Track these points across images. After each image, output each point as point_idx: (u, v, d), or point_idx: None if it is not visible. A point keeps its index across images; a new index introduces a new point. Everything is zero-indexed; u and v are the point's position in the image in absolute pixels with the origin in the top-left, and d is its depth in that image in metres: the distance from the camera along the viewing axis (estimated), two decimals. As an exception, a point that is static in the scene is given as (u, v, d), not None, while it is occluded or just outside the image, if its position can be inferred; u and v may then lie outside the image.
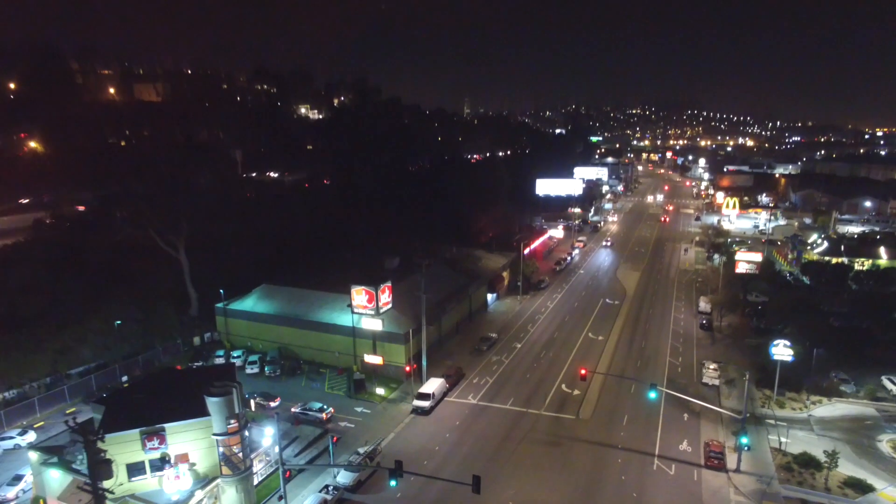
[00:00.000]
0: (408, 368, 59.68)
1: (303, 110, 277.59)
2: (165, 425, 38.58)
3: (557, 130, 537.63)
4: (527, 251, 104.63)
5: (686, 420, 53.82)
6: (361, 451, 46.84)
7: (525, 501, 42.11)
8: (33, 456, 41.67)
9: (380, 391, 59.18)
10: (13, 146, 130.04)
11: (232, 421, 39.33)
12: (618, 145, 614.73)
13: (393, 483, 35.44)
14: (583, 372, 49.83)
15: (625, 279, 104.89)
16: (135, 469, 38.51)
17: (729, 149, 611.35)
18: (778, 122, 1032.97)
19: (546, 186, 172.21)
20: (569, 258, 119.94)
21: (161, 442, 38.52)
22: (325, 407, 54.38)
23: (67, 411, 56.09)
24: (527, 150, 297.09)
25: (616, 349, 71.79)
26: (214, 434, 39.32)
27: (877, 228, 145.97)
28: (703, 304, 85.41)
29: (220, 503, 40.21)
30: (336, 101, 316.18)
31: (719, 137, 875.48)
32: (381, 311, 60.69)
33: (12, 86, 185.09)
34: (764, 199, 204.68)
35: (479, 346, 71.79)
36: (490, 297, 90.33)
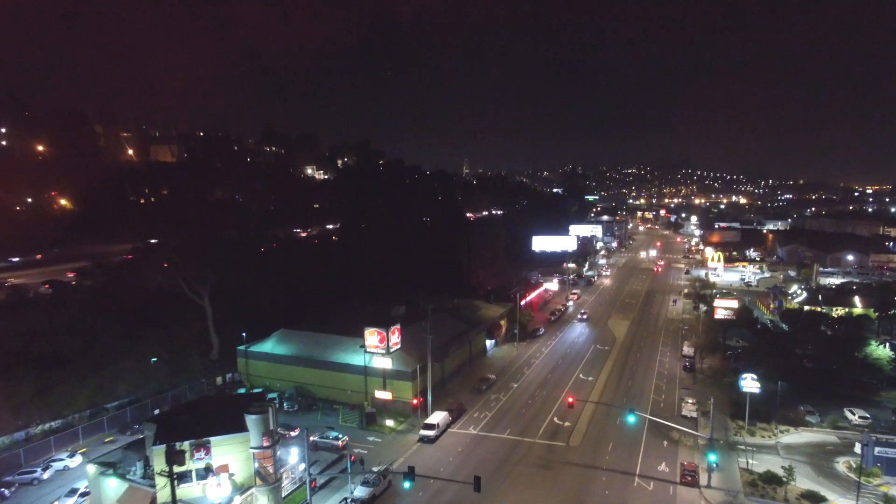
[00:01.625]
0: (415, 402, 66.04)
1: (309, 171, 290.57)
2: (211, 438, 44.93)
3: (555, 190, 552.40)
4: (523, 302, 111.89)
5: (665, 446, 59.75)
6: (375, 470, 52.79)
7: (520, 511, 47.90)
8: (91, 469, 47.82)
9: (389, 423, 65.23)
10: (45, 203, 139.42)
11: (266, 437, 45.93)
12: (614, 204, 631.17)
13: (407, 485, 41.64)
14: (570, 400, 56.29)
15: (615, 328, 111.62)
16: (182, 477, 44.49)
17: (722, 206, 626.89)
18: (770, 181, 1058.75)
19: (542, 243, 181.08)
20: (563, 309, 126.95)
21: (206, 453, 44.72)
22: (341, 435, 60.45)
23: (106, 440, 62.23)
24: (524, 206, 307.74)
25: (605, 388, 78.03)
26: (252, 448, 45.69)
27: (857, 280, 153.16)
28: (687, 349, 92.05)
29: (255, 510, 46.13)
30: (340, 163, 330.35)
31: (713, 195, 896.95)
32: (391, 350, 67.45)
33: (41, 148, 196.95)
34: (752, 253, 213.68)
35: (479, 386, 78.06)
36: (489, 342, 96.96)
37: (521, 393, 76.20)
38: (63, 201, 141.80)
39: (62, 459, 55.88)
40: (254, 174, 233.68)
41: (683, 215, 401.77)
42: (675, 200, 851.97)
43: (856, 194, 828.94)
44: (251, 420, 45.44)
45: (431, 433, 61.15)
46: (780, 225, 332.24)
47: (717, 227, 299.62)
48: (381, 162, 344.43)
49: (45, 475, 53.33)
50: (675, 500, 49.58)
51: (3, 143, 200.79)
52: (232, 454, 45.93)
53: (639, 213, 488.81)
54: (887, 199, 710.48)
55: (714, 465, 51.69)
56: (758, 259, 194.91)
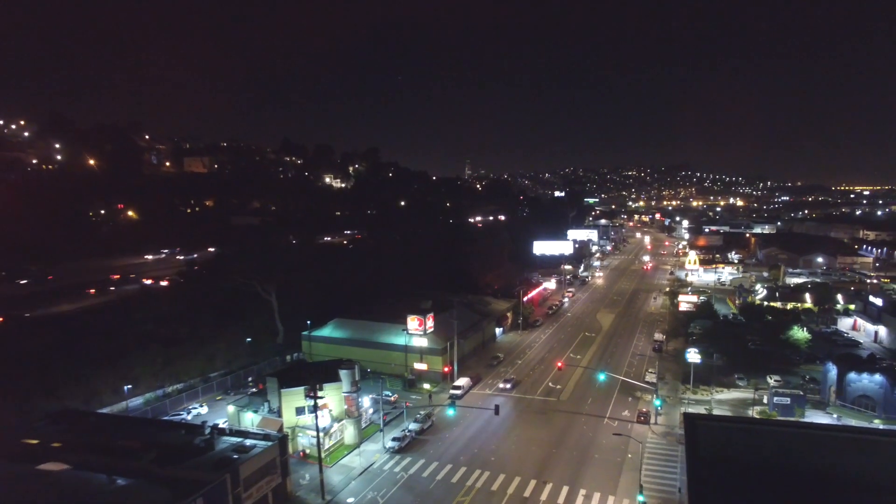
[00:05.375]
0: (446, 369, 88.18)
1: (327, 180, 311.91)
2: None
3: (556, 193, 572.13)
4: (525, 298, 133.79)
5: (630, 401, 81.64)
6: (422, 413, 74.82)
7: (524, 437, 69.78)
8: (231, 408, 70.11)
9: (426, 386, 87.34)
10: (114, 215, 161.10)
11: (353, 385, 68.15)
12: (613, 206, 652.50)
13: (451, 412, 63.61)
14: (559, 364, 78.22)
15: (602, 319, 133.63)
16: (299, 410, 66.57)
17: (718, 209, 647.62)
18: (768, 183, 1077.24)
19: (542, 247, 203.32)
20: (560, 304, 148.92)
21: (315, 395, 66.66)
22: (391, 393, 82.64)
23: (217, 398, 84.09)
24: (526, 214, 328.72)
25: (589, 363, 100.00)
26: (343, 392, 67.96)
27: (818, 280, 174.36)
28: (658, 335, 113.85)
29: (344, 434, 68.28)
30: (351, 169, 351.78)
31: (711, 198, 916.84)
32: (427, 331, 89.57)
33: (92, 162, 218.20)
34: (734, 255, 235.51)
35: (491, 362, 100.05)
36: (498, 330, 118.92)
37: (523, 367, 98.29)
38: (130, 212, 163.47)
39: (196, 408, 78.07)
40: (280, 184, 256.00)
41: (678, 218, 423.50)
42: (674, 203, 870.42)
43: (851, 196, 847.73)
44: (343, 373, 67.92)
45: (458, 392, 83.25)
46: (766, 228, 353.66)
47: (706, 230, 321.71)
48: (390, 173, 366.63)
49: (189, 417, 75.43)
50: (631, 431, 71.36)
51: (58, 157, 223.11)
52: (330, 396, 67.96)
53: (636, 217, 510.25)
54: (880, 202, 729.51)
55: (658, 409, 73.68)
56: (735, 261, 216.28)
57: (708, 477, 43.37)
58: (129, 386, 74.04)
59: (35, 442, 55.09)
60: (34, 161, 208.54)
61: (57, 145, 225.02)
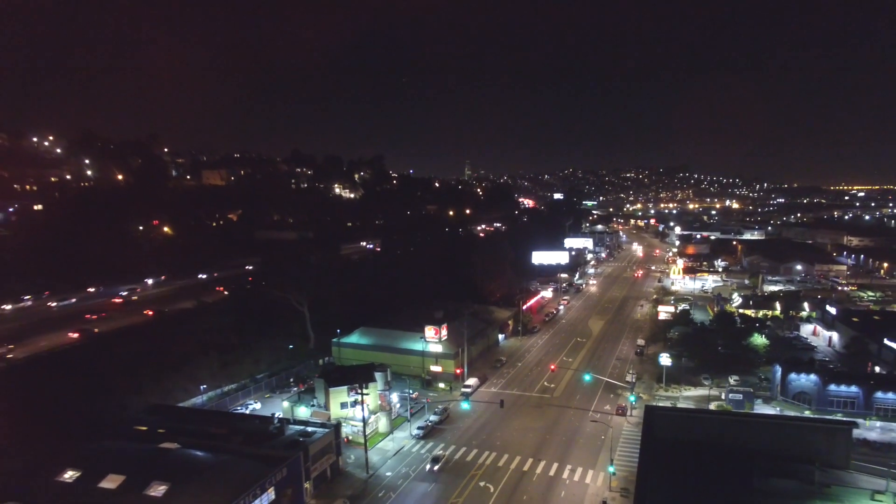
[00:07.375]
0: (458, 371, 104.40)
1: (337, 190, 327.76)
2: (357, 385, 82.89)
3: (556, 195, 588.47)
4: (525, 307, 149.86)
5: (611, 397, 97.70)
6: (440, 407, 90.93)
7: (523, 426, 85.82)
8: (285, 403, 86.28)
9: (441, 385, 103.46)
10: (151, 230, 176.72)
11: (385, 384, 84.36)
12: (611, 209, 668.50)
13: (465, 406, 79.81)
14: (552, 367, 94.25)
15: (593, 326, 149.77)
16: (343, 405, 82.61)
17: (714, 212, 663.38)
18: (765, 185, 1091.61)
19: (540, 257, 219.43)
20: (556, 312, 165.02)
21: (355, 392, 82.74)
22: (412, 391, 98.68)
23: (266, 396, 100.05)
24: (526, 223, 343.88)
25: (579, 365, 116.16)
26: (378, 390, 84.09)
27: (792, 288, 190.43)
28: (640, 341, 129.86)
29: (378, 424, 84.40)
30: (357, 177, 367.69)
31: (708, 200, 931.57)
32: (442, 339, 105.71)
33: (120, 177, 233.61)
34: (721, 263, 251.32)
35: (495, 365, 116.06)
36: (500, 336, 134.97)
37: (523, 368, 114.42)
38: (166, 228, 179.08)
39: (251, 403, 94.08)
40: (295, 196, 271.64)
41: (671, 224, 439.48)
42: (671, 205, 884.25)
43: (846, 198, 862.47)
44: (378, 375, 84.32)
45: (468, 390, 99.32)
46: (755, 234, 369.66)
47: (698, 237, 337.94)
48: (394, 180, 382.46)
49: (246, 411, 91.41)
50: (611, 422, 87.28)
51: (89, 172, 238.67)
52: (368, 394, 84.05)
53: (632, 221, 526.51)
54: (873, 204, 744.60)
55: (633, 403, 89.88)
56: (720, 269, 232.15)
57: (658, 451, 59.49)
58: (204, 385, 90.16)
59: (144, 429, 71.15)
60: (68, 177, 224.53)
61: (87, 161, 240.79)
